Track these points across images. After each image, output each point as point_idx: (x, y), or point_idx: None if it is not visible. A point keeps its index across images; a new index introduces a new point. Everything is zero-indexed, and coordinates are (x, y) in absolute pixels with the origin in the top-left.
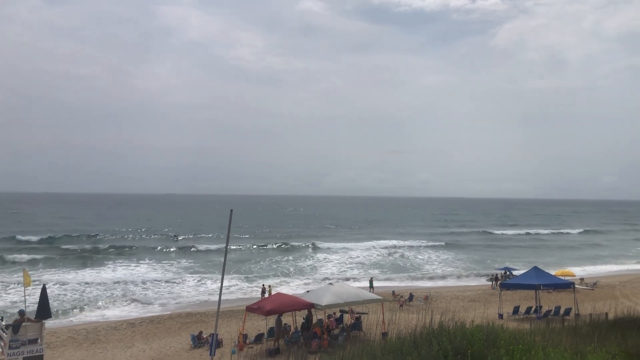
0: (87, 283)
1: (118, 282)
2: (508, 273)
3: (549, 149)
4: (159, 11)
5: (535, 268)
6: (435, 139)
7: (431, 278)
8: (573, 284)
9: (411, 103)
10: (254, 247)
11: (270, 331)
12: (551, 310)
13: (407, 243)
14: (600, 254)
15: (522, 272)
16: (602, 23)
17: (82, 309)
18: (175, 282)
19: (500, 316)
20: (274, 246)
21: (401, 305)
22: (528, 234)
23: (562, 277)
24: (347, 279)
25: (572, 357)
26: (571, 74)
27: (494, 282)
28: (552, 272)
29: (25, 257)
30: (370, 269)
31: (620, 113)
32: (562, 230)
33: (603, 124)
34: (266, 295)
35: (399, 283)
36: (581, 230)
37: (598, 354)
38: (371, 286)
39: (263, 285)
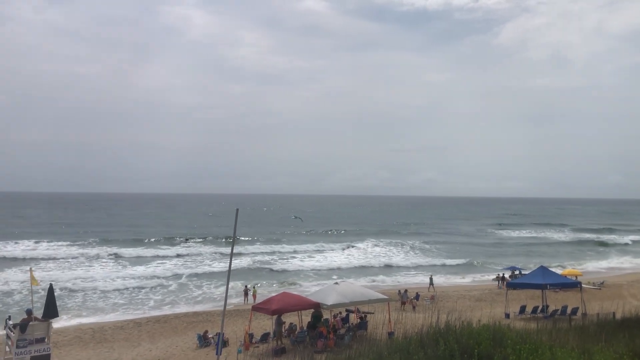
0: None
1: (124, 283)
2: (517, 272)
3: (553, 147)
4: (161, 11)
5: (542, 267)
6: (440, 138)
7: (437, 277)
8: (580, 283)
9: (415, 102)
10: (260, 249)
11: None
12: (558, 310)
13: (411, 243)
14: None
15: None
16: (606, 21)
17: (87, 310)
18: (180, 283)
19: (507, 315)
20: (282, 247)
21: (414, 307)
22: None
23: (569, 277)
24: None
25: (579, 357)
26: (575, 73)
27: (500, 282)
28: (559, 272)
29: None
30: (370, 269)
31: (625, 112)
32: None
33: (608, 122)
34: (250, 296)
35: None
36: None
37: (605, 354)
38: (431, 283)
39: (246, 286)
